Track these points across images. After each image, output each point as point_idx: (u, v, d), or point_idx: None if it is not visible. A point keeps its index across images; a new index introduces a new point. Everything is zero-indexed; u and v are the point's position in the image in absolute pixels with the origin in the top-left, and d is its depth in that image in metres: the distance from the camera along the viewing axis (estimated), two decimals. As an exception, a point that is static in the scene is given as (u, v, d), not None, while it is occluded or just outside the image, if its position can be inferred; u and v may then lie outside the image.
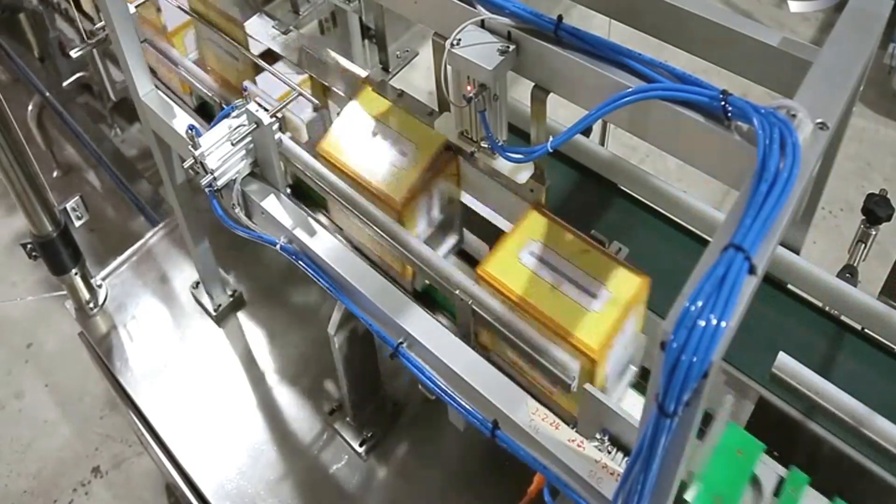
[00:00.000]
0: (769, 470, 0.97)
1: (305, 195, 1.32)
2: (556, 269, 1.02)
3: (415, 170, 1.16)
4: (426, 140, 1.18)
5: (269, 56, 1.43)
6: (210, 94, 1.48)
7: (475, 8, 1.02)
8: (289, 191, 1.26)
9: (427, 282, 1.22)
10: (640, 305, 1.01)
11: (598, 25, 1.21)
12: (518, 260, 1.04)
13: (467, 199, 1.27)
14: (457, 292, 1.10)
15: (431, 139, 1.18)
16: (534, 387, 1.07)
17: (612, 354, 0.99)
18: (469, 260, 1.29)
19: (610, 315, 0.97)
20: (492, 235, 1.20)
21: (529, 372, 1.07)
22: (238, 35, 1.39)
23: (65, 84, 2.58)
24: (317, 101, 1.28)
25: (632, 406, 1.03)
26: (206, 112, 1.66)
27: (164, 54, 1.54)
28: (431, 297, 1.24)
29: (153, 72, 1.59)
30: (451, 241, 1.30)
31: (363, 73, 1.33)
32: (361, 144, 1.20)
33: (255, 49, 1.41)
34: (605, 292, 0.99)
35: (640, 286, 1.00)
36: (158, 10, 1.51)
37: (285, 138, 1.24)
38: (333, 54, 1.36)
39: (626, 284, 1.00)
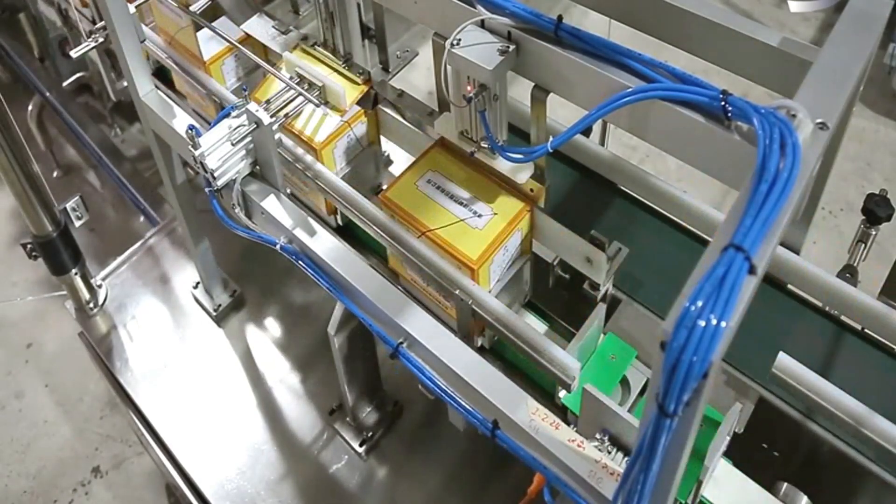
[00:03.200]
0: (638, 374, 1.11)
1: (357, 238, 1.39)
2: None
3: (492, 231, 1.16)
4: (503, 203, 1.18)
5: (213, 15, 1.48)
6: (163, 56, 1.54)
7: (475, 8, 1.02)
8: (336, 229, 1.36)
9: (496, 337, 1.24)
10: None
11: (595, 24, 1.21)
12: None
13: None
14: (457, 292, 1.11)
15: (508, 203, 1.18)
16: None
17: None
18: (539, 312, 1.29)
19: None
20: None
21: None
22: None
23: (65, 84, 2.58)
24: (316, 101, 1.28)
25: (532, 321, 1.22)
26: (164, 76, 1.70)
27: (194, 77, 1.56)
28: (499, 353, 1.25)
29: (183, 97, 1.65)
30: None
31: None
32: (433, 200, 1.21)
33: (195, 6, 1.46)
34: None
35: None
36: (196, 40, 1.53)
37: (286, 139, 1.24)
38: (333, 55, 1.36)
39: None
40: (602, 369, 1.11)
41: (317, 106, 1.28)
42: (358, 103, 1.33)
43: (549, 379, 1.07)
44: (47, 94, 2.68)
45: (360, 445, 1.51)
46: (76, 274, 1.72)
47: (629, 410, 1.06)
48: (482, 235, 1.14)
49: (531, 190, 1.16)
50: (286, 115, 1.27)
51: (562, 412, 1.09)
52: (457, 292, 1.11)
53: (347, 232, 1.40)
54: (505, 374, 0.98)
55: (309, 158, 1.31)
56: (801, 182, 0.70)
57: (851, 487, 1.15)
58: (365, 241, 1.37)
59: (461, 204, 1.18)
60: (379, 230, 1.19)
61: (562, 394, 1.10)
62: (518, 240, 1.18)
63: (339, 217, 1.41)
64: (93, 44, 1.48)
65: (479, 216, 1.16)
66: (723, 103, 0.80)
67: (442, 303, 1.21)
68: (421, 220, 1.17)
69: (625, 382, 1.11)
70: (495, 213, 1.16)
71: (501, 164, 1.15)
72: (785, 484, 1.08)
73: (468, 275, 1.13)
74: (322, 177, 1.29)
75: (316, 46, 1.36)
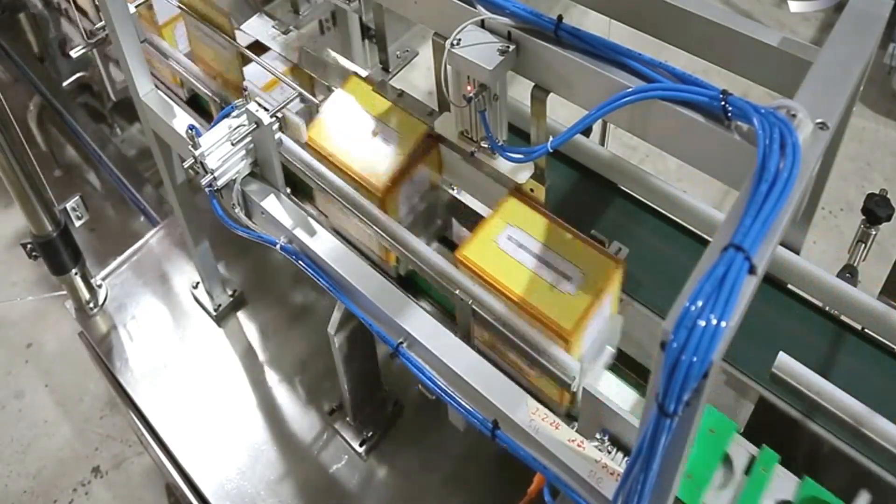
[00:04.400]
0: (741, 448, 1.00)
1: (297, 188, 1.33)
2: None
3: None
4: (410, 128, 1.20)
5: (259, 47, 1.44)
6: (203, 88, 1.49)
7: (475, 8, 1.02)
8: (289, 190, 1.26)
9: (410, 267, 1.22)
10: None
11: (595, 24, 1.21)
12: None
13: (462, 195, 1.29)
14: (457, 292, 1.10)
15: (415, 128, 1.20)
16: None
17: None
18: (452, 247, 1.30)
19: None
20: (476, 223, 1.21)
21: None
22: (224, 24, 1.39)
23: (65, 84, 2.58)
24: (316, 101, 1.28)
25: (607, 388, 1.06)
26: (197, 104, 1.67)
27: (156, 47, 1.54)
28: (415, 284, 1.26)
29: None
30: (435, 229, 1.31)
31: (363, 73, 1.33)
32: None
33: (243, 40, 1.42)
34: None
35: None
36: (150, 7, 1.51)
37: (285, 138, 1.24)
38: (333, 54, 1.37)
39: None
40: (701, 446, 0.98)
41: (317, 105, 1.28)
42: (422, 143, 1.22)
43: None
44: (47, 94, 2.68)
45: (360, 445, 1.51)
46: (76, 274, 1.72)
47: (734, 492, 0.96)
48: (574, 301, 1.01)
49: (531, 190, 1.16)
50: (284, 117, 1.27)
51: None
52: (457, 292, 1.11)
53: (408, 282, 1.28)
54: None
55: (366, 203, 1.19)
56: (801, 182, 0.70)
57: (851, 487, 1.15)
58: (428, 292, 1.25)
59: (546, 264, 1.05)
60: (462, 294, 1.07)
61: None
62: (609, 304, 1.07)
63: (400, 267, 1.28)
64: (93, 44, 1.48)
65: (568, 278, 1.03)
66: (723, 103, 0.80)
67: (525, 370, 1.10)
68: (505, 283, 1.04)
69: (727, 460, 0.99)
70: (584, 275, 1.03)
71: (501, 164, 1.14)
72: (785, 484, 1.08)
73: (562, 345, 1.01)
74: (388, 230, 1.16)
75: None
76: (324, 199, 1.27)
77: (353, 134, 1.22)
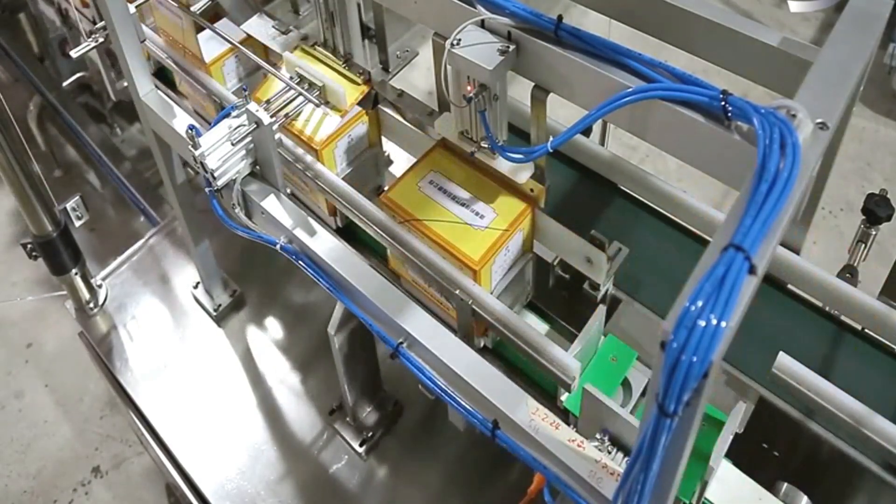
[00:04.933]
0: (640, 375, 1.10)
1: (357, 239, 1.38)
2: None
3: (493, 231, 1.16)
4: (505, 203, 1.18)
5: (214, 15, 1.48)
6: (163, 56, 1.53)
7: (475, 8, 1.02)
8: (337, 230, 1.36)
9: (498, 338, 1.22)
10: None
11: (595, 24, 1.21)
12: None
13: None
14: (457, 292, 1.11)
15: (510, 203, 1.18)
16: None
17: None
18: (539, 312, 1.29)
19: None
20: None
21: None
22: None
23: (65, 84, 2.58)
24: (316, 101, 1.28)
25: (532, 321, 1.22)
26: (164, 77, 1.70)
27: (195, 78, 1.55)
28: (498, 352, 1.24)
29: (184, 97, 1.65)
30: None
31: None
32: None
33: (196, 7, 1.45)
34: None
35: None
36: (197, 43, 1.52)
37: (285, 138, 1.24)
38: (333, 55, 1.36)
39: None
40: (603, 371, 1.11)
41: (317, 105, 1.28)
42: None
43: (551, 380, 1.07)
44: (47, 94, 2.68)
45: (360, 445, 1.51)
46: (76, 274, 1.72)
47: (631, 412, 1.05)
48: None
49: (531, 190, 1.16)
50: (286, 115, 1.27)
51: (563, 414, 1.09)
52: (457, 292, 1.11)
53: (348, 233, 1.40)
54: (506, 374, 0.98)
55: (309, 158, 1.31)
56: (801, 182, 0.70)
57: (851, 487, 1.15)
58: (365, 242, 1.37)
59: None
60: (380, 231, 1.19)
61: (563, 396, 1.09)
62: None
63: (339, 218, 1.41)
64: (93, 44, 1.47)
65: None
66: (723, 103, 0.80)
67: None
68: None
69: (626, 384, 1.11)
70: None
71: (501, 164, 1.15)
72: (785, 484, 1.08)
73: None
74: (322, 177, 1.28)
75: (316, 47, 1.36)
76: (399, 264, 1.27)
77: (441, 202, 1.21)
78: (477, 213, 1.16)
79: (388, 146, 1.48)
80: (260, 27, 1.44)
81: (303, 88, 1.27)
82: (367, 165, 1.43)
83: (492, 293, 1.16)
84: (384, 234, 1.18)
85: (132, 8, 1.26)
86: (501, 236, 1.14)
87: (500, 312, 1.10)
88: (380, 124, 1.41)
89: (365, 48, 1.32)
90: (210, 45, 1.51)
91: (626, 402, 1.10)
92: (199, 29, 1.47)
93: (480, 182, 1.19)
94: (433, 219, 1.16)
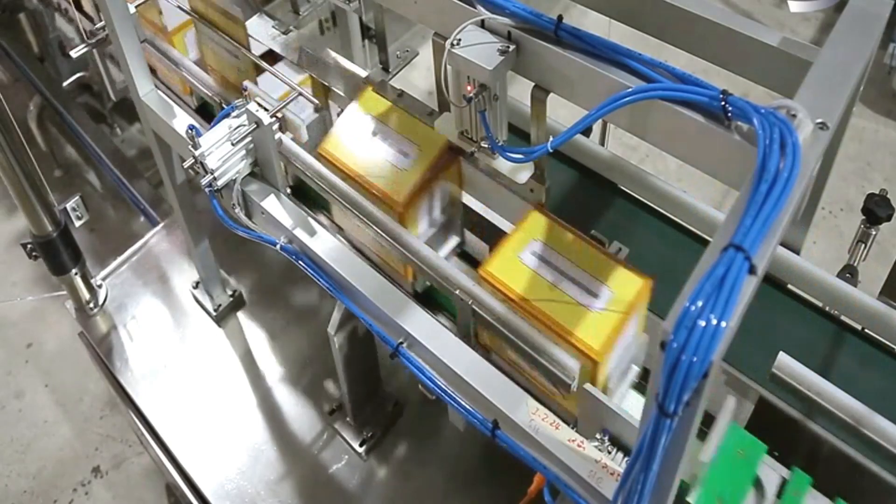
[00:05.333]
0: (772, 471, 0.97)
1: (307, 196, 1.32)
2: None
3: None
4: (428, 141, 1.18)
5: (270, 56, 1.42)
6: (211, 95, 1.48)
7: (475, 8, 1.02)
8: (289, 191, 1.26)
9: (428, 283, 1.22)
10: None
11: (595, 24, 1.21)
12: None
13: (469, 200, 1.27)
14: (457, 292, 1.10)
15: (434, 140, 1.18)
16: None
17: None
18: (471, 261, 1.29)
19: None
20: (494, 237, 1.20)
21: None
22: (239, 34, 1.39)
23: (65, 84, 2.58)
24: (317, 102, 1.28)
25: (633, 407, 1.02)
26: (207, 112, 1.65)
27: (165, 54, 1.54)
28: (432, 298, 1.24)
29: (153, 71, 1.59)
30: (452, 242, 1.30)
31: (363, 73, 1.33)
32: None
33: (257, 49, 1.40)
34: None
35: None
36: (160, 11, 1.50)
37: (285, 138, 1.24)
38: (333, 54, 1.36)
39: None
40: (731, 469, 0.95)
41: (317, 107, 1.28)
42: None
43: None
44: (47, 94, 2.67)
45: (360, 445, 1.51)
46: (76, 274, 1.72)
47: None
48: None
49: (531, 190, 1.16)
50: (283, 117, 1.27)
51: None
52: (457, 292, 1.11)
53: (428, 299, 1.27)
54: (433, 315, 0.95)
55: (384, 217, 1.17)
56: (801, 182, 0.70)
57: (851, 487, 1.15)
58: (446, 307, 1.24)
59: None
60: (490, 317, 1.04)
61: (692, 497, 0.95)
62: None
63: (417, 284, 1.26)
64: (93, 44, 1.48)
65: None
66: (723, 103, 0.80)
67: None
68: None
69: (757, 483, 0.97)
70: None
71: (501, 164, 1.14)
72: (785, 484, 1.08)
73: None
74: (405, 243, 1.14)
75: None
76: (339, 212, 1.26)
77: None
78: (590, 292, 1.00)
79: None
80: (260, 27, 1.44)
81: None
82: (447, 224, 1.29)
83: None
84: (486, 315, 1.05)
85: (132, 8, 1.26)
86: (621, 319, 0.97)
87: (501, 312, 1.09)
88: (461, 178, 1.25)
89: (365, 48, 1.32)
90: (268, 85, 1.43)
91: None
92: (259, 71, 1.42)
93: (588, 253, 1.03)
94: (541, 297, 1.01)
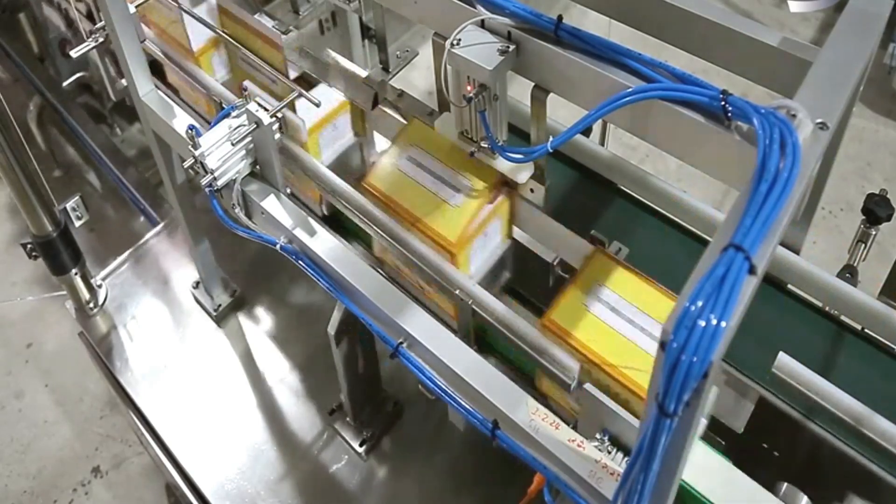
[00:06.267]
0: None
1: (342, 226, 1.33)
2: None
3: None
4: (480, 175, 1.15)
5: (303, 80, 1.39)
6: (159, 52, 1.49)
7: (475, 8, 1.02)
8: (323, 217, 1.29)
9: (480, 323, 1.18)
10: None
11: (595, 24, 1.21)
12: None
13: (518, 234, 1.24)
14: (457, 292, 1.10)
15: (485, 174, 1.15)
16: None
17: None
18: (517, 296, 1.27)
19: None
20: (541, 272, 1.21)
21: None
22: (276, 59, 1.37)
23: (65, 84, 2.58)
24: (318, 101, 1.28)
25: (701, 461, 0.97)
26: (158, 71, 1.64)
27: (192, 76, 1.51)
28: (484, 340, 1.21)
29: (175, 91, 1.60)
30: (502, 279, 1.27)
31: (363, 73, 1.33)
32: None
33: (292, 73, 1.37)
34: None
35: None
36: (185, 31, 1.47)
37: (316, 163, 1.24)
38: (333, 54, 1.36)
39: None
40: None
41: (316, 105, 1.28)
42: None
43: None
44: (47, 94, 2.67)
45: (360, 445, 1.51)
46: (76, 274, 1.72)
47: None
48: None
49: (531, 190, 1.16)
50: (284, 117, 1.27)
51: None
52: (457, 292, 1.11)
53: (335, 221, 1.35)
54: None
55: (298, 149, 1.26)
56: (801, 182, 0.70)
57: (851, 487, 1.15)
58: (349, 230, 1.33)
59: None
60: (364, 218, 1.15)
61: None
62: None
63: (324, 206, 1.36)
64: (93, 44, 1.47)
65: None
66: (723, 103, 0.80)
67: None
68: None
69: None
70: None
71: (501, 164, 1.14)
72: (785, 484, 1.08)
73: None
74: (309, 167, 1.25)
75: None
76: (382, 248, 1.23)
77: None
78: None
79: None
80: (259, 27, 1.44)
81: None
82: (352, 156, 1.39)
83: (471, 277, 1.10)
84: (486, 316, 1.08)
85: (132, 8, 1.26)
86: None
87: (501, 312, 1.09)
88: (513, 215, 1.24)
89: (365, 48, 1.32)
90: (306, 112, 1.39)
91: None
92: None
93: (647, 293, 1.05)
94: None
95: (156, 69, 1.66)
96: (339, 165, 1.38)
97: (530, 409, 0.93)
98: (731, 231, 0.63)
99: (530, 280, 1.25)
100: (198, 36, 1.48)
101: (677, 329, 0.58)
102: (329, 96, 1.36)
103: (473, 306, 1.10)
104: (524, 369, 1.13)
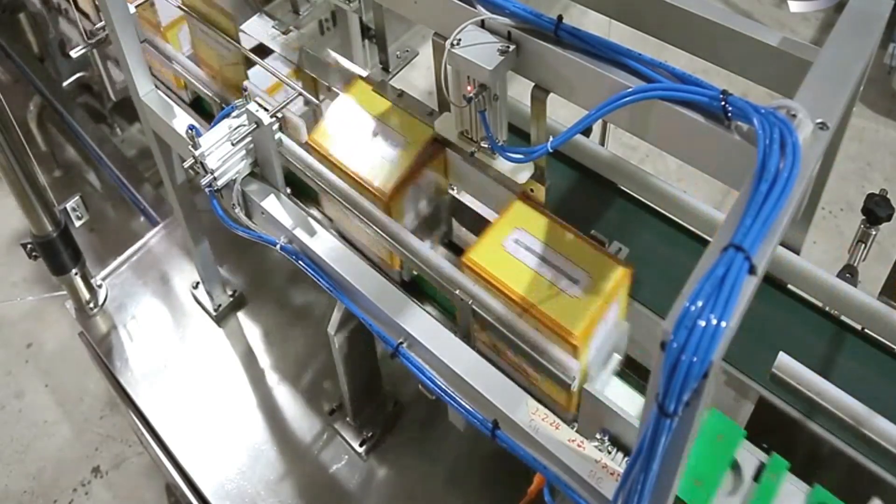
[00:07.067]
0: (750, 455, 0.98)
1: (300, 190, 1.32)
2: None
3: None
4: (416, 133, 1.19)
5: (262, 51, 1.42)
6: (205, 90, 1.49)
7: (475, 8, 1.02)
8: (289, 190, 1.26)
9: (415, 272, 1.22)
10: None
11: (595, 24, 1.21)
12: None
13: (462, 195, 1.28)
14: (457, 292, 1.10)
15: (421, 132, 1.19)
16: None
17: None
18: (458, 251, 1.30)
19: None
20: (480, 227, 1.22)
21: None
22: (230, 29, 1.39)
23: (65, 84, 2.58)
24: (314, 98, 1.28)
25: (615, 394, 1.02)
26: (201, 108, 1.66)
27: (159, 50, 1.54)
28: (420, 288, 1.25)
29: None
30: (438, 232, 1.31)
31: (363, 73, 1.32)
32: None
33: (248, 43, 1.40)
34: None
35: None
36: (152, 4, 1.50)
37: (285, 138, 1.24)
38: (333, 54, 1.36)
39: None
40: (709, 452, 0.97)
41: (317, 104, 1.28)
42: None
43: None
44: (47, 94, 2.67)
45: (360, 445, 1.51)
46: (76, 274, 1.72)
47: (743, 499, 0.95)
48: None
49: (531, 190, 1.16)
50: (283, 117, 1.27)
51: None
52: (457, 292, 1.11)
53: (415, 287, 1.27)
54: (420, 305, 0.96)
55: (367, 204, 1.18)
56: (801, 182, 0.70)
57: (851, 487, 1.15)
58: (434, 297, 1.24)
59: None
60: (459, 292, 1.06)
61: None
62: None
63: (404, 272, 1.27)
64: (93, 44, 1.48)
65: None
66: (723, 103, 0.80)
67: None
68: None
69: (735, 466, 0.98)
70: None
71: (501, 164, 1.14)
72: (785, 484, 1.08)
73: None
74: (391, 233, 1.15)
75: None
76: (328, 203, 1.27)
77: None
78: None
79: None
80: (260, 27, 1.44)
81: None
82: (434, 214, 1.31)
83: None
84: (484, 314, 1.05)
85: (132, 8, 1.26)
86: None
87: (501, 312, 1.09)
88: (447, 169, 1.26)
89: (365, 48, 1.32)
90: (258, 78, 1.42)
91: (736, 488, 0.97)
92: (250, 64, 1.41)
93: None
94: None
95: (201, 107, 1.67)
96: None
97: (530, 409, 0.93)
98: (731, 231, 0.63)
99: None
100: (167, 13, 1.49)
101: (677, 329, 0.58)
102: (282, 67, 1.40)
103: (475, 307, 1.10)
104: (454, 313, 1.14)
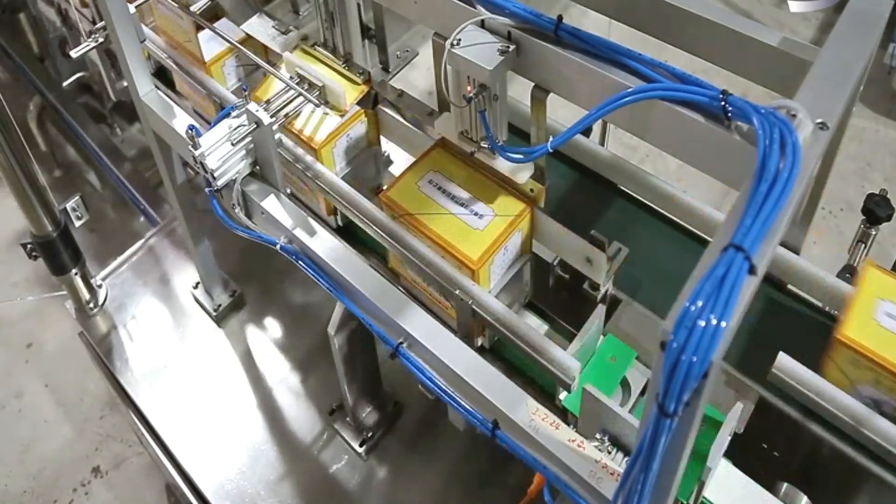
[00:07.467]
0: (639, 374, 1.11)
1: (357, 238, 1.38)
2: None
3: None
4: (503, 205, 1.18)
5: (215, 17, 1.51)
6: (163, 56, 1.55)
7: (475, 8, 1.02)
8: (336, 228, 1.38)
9: (496, 337, 1.23)
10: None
11: (595, 24, 1.21)
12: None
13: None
14: (457, 292, 1.11)
15: (508, 204, 1.18)
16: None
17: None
18: (539, 312, 1.30)
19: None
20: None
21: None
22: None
23: (65, 84, 2.58)
24: (317, 101, 1.28)
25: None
26: (164, 77, 1.71)
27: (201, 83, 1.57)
28: (497, 351, 1.24)
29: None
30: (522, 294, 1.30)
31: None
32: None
33: (196, 7, 1.48)
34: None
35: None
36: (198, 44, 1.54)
37: (285, 139, 1.24)
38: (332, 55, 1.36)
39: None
40: (602, 371, 1.11)
41: (317, 105, 1.28)
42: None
43: (550, 379, 1.07)
44: (47, 94, 2.67)
45: (360, 445, 1.51)
46: (76, 274, 1.72)
47: (630, 411, 1.05)
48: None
49: (531, 190, 1.16)
50: (286, 115, 1.27)
51: (562, 413, 1.09)
52: (457, 292, 1.11)
53: (347, 232, 1.40)
54: (506, 374, 0.98)
55: (309, 158, 1.31)
56: (801, 182, 0.70)
57: (851, 487, 1.15)
58: (365, 242, 1.37)
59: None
60: (379, 230, 1.19)
61: (562, 395, 1.09)
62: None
63: (338, 217, 1.41)
64: (93, 44, 1.48)
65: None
66: (723, 103, 0.80)
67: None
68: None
69: (625, 384, 1.11)
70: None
71: (501, 164, 1.15)
72: (785, 484, 1.08)
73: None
74: (322, 177, 1.29)
75: (316, 47, 1.36)
76: (397, 260, 1.28)
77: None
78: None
79: (388, 146, 1.48)
80: (260, 27, 1.44)
81: (303, 88, 1.27)
82: (366, 165, 1.43)
83: (490, 292, 1.16)
84: (383, 233, 1.19)
85: (132, 8, 1.26)
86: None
87: (500, 312, 1.10)
88: (379, 124, 1.40)
89: (365, 48, 1.32)
90: (210, 45, 1.51)
91: (625, 402, 1.10)
92: (199, 29, 1.48)
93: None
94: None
95: (163, 76, 1.70)
96: (354, 177, 1.40)
97: (530, 409, 0.93)
98: (731, 231, 0.63)
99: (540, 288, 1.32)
100: (210, 48, 1.54)
101: (677, 329, 0.58)
102: (233, 31, 1.47)
103: (473, 306, 1.10)
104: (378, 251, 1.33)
